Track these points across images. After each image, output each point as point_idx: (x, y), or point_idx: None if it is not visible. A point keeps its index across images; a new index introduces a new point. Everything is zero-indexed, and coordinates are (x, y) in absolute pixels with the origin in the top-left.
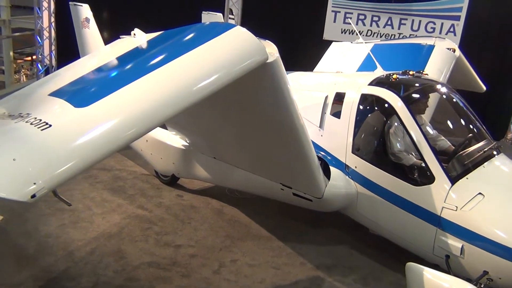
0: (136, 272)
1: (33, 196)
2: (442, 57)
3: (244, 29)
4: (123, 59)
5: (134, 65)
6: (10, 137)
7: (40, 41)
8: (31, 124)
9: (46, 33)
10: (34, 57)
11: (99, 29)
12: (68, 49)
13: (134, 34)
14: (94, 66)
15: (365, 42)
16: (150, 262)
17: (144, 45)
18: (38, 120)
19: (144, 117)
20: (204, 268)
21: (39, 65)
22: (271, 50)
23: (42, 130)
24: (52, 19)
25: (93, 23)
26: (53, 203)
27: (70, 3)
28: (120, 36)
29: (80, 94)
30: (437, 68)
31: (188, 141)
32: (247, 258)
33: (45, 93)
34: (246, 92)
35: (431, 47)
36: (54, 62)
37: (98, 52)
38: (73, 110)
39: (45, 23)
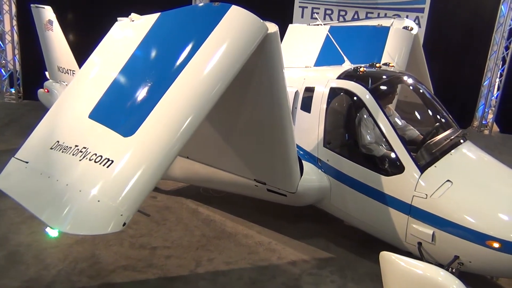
0: (112, 276)
1: (124, 224)
2: (399, 38)
3: (239, 8)
4: (140, 61)
5: (156, 72)
6: (86, 180)
7: (2, 45)
8: (95, 162)
9: (8, 37)
10: None
11: (63, 31)
12: (33, 53)
13: (132, 20)
14: (114, 71)
15: (323, 24)
16: (125, 266)
17: (152, 39)
18: (100, 157)
19: (186, 125)
20: (180, 269)
21: (2, 70)
22: (272, 28)
23: (107, 167)
24: (14, 23)
25: (56, 26)
26: (22, 211)
27: (31, 5)
28: (118, 19)
29: (122, 120)
30: (394, 49)
31: None
32: (224, 256)
33: (84, 116)
34: (238, 74)
35: (388, 29)
36: (18, 67)
37: (106, 46)
38: (123, 141)
39: (7, 27)
